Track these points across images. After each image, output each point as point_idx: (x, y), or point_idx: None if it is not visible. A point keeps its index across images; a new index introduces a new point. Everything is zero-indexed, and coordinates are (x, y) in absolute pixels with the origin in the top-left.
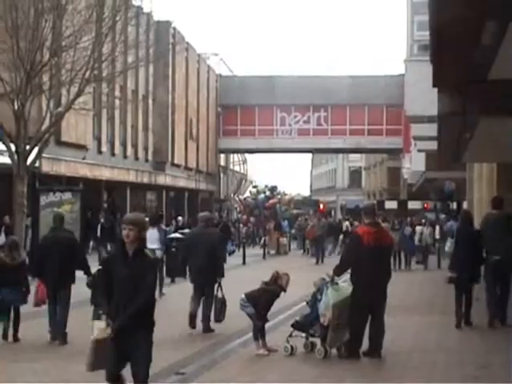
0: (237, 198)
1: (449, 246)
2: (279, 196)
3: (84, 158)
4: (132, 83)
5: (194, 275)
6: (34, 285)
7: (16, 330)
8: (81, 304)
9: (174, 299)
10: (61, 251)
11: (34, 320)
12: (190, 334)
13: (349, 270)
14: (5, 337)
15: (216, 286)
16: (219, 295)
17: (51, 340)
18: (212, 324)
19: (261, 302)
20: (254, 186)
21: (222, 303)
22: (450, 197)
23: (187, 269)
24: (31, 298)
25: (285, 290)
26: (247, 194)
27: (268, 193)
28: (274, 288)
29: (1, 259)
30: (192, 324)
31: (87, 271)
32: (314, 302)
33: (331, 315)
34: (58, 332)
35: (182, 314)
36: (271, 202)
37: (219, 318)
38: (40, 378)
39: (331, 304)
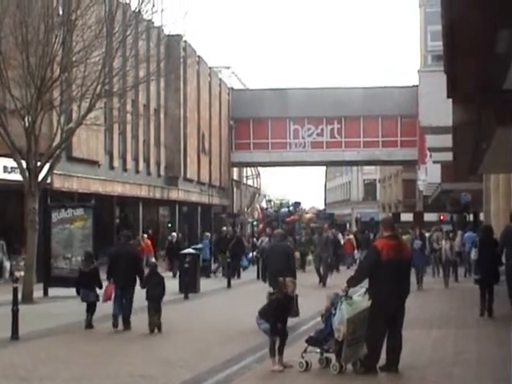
0: (257, 205)
1: (474, 254)
2: (300, 213)
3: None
4: (143, 97)
5: (273, 279)
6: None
7: (91, 320)
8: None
9: (187, 316)
10: (125, 260)
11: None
12: None
13: (365, 284)
14: (88, 326)
15: None
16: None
17: (113, 327)
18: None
19: (270, 312)
20: (269, 200)
21: (296, 301)
22: (467, 208)
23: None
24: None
25: (292, 297)
26: (264, 204)
27: (291, 208)
28: (278, 295)
29: (79, 267)
30: None
31: (141, 277)
32: (328, 316)
33: (346, 330)
34: (125, 320)
35: (196, 330)
36: (292, 217)
37: (295, 314)
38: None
39: (345, 319)
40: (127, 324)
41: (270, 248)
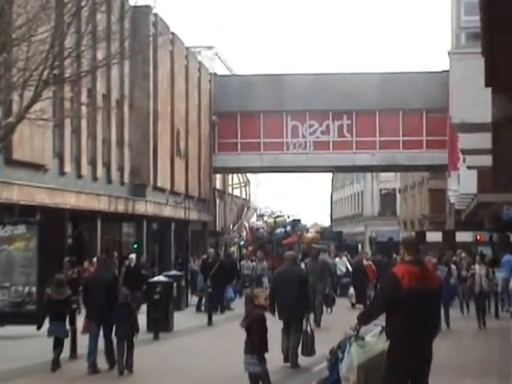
0: (245, 224)
1: None
2: (300, 232)
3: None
4: (102, 85)
5: (283, 311)
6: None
7: (57, 358)
8: None
9: (157, 361)
10: (100, 290)
11: None
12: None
13: (381, 321)
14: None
15: (304, 320)
16: (308, 330)
17: (89, 369)
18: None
19: (255, 338)
20: (261, 215)
21: (312, 338)
22: (510, 226)
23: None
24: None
25: (266, 308)
26: (254, 218)
27: (289, 227)
28: (254, 312)
29: (49, 295)
30: (286, 359)
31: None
32: (334, 362)
33: (355, 379)
34: (108, 357)
35: (168, 379)
36: (290, 239)
37: (310, 352)
38: None
39: (356, 364)
40: (112, 361)
41: (280, 274)
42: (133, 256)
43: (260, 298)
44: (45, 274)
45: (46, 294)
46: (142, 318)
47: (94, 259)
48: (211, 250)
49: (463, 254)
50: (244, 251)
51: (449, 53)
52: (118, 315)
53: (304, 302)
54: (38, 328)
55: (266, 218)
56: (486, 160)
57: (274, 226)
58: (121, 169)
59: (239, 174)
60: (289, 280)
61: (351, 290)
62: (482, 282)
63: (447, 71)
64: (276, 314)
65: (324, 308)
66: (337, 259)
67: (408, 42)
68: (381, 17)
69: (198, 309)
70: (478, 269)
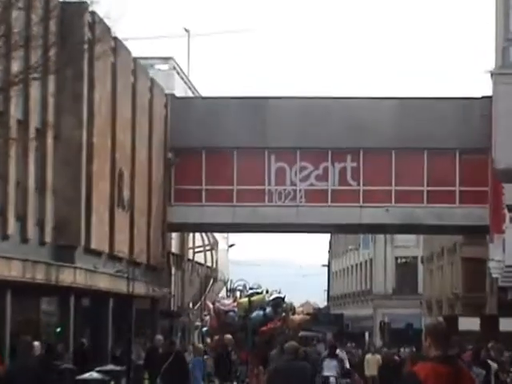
0: (209, 304)
1: None
2: (284, 314)
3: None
4: (18, 109)
5: None
6: None
7: None
8: None
9: None
10: (28, 382)
11: None
12: None
13: None
14: None
15: None
16: None
17: None
18: None
19: None
20: (232, 290)
21: None
22: None
23: None
24: None
25: None
26: (223, 293)
27: (269, 309)
28: None
29: None
30: None
31: None
32: None
33: None
34: None
35: None
36: (271, 325)
37: None
38: None
39: None
40: None
41: (278, 372)
42: (36, 343)
43: None
44: None
45: None
46: None
47: None
48: (159, 337)
49: (490, 344)
50: (208, 341)
51: (491, 73)
52: None
53: None
54: None
55: (238, 295)
56: None
57: (248, 308)
58: (41, 223)
59: (203, 234)
60: (290, 379)
61: None
62: None
63: (489, 97)
64: None
65: None
66: (337, 351)
67: (436, 58)
68: (400, 28)
69: None
70: None
